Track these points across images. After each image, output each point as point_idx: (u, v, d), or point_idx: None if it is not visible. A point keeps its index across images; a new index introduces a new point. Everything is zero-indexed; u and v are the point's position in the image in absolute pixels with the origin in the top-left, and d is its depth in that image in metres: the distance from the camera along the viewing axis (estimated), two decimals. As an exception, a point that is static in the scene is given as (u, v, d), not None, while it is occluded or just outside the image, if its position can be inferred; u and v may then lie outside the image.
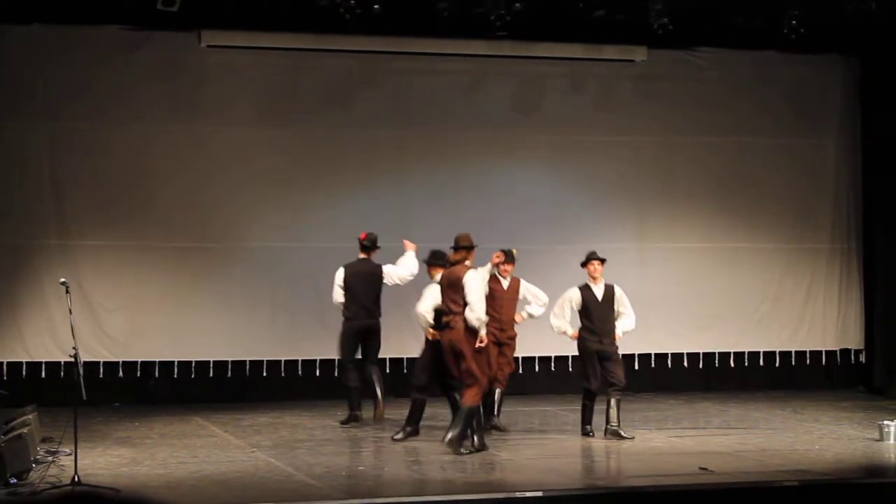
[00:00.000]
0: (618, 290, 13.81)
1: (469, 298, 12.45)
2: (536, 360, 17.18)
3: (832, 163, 18.34)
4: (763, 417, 15.29)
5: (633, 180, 17.71)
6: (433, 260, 13.60)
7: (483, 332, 12.54)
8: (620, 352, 13.80)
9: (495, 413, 13.89)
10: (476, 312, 12.45)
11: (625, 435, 13.43)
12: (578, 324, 13.74)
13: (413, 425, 13.44)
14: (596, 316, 13.57)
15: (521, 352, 14.59)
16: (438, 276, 13.15)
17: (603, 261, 13.82)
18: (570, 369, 17.20)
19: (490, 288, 13.45)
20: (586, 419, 13.67)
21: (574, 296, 13.69)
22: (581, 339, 13.67)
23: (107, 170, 16.19)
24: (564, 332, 13.77)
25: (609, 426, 13.48)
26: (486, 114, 17.24)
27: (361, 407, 14.43)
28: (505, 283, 13.82)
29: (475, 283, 12.57)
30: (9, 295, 15.85)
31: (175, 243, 16.33)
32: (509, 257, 13.67)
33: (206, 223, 16.46)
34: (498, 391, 13.86)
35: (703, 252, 17.93)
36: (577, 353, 14.03)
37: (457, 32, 16.48)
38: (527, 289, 14.03)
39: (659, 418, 15.18)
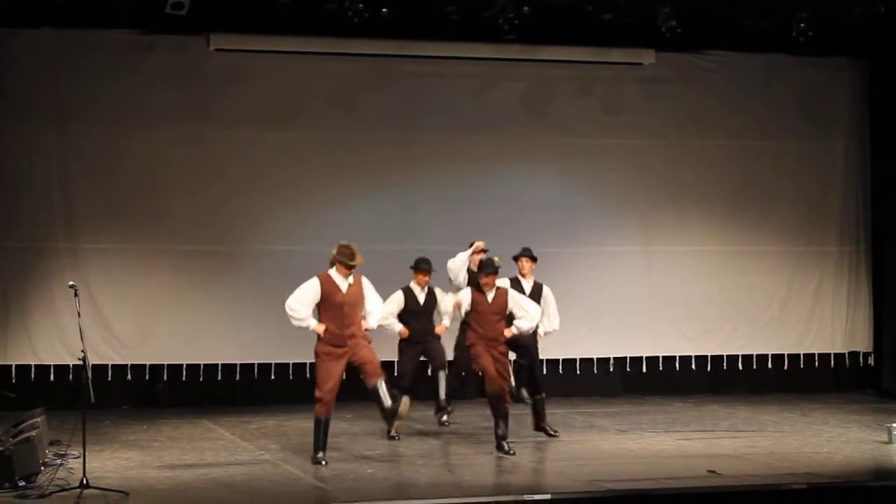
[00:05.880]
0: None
1: None
2: (545, 363, 17.14)
3: (840, 165, 18.34)
4: (771, 420, 15.28)
5: (641, 183, 17.69)
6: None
7: None
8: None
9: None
10: None
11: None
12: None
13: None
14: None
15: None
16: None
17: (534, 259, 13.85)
18: (578, 372, 17.26)
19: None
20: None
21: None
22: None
23: (115, 173, 16.21)
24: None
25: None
26: (494, 117, 17.23)
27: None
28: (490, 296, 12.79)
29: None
30: (18, 298, 15.88)
31: (183, 247, 16.36)
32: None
33: (214, 227, 16.49)
34: None
35: (711, 255, 17.92)
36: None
37: (465, 36, 16.48)
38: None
39: (667, 421, 15.18)
